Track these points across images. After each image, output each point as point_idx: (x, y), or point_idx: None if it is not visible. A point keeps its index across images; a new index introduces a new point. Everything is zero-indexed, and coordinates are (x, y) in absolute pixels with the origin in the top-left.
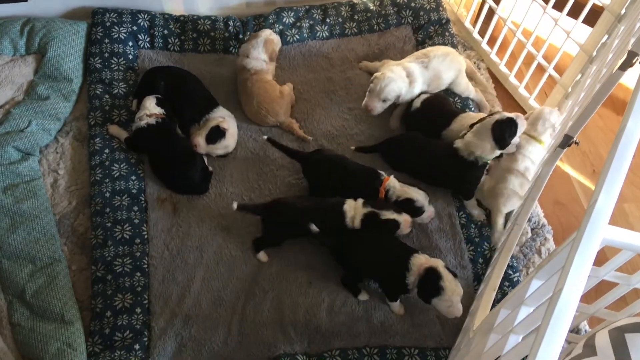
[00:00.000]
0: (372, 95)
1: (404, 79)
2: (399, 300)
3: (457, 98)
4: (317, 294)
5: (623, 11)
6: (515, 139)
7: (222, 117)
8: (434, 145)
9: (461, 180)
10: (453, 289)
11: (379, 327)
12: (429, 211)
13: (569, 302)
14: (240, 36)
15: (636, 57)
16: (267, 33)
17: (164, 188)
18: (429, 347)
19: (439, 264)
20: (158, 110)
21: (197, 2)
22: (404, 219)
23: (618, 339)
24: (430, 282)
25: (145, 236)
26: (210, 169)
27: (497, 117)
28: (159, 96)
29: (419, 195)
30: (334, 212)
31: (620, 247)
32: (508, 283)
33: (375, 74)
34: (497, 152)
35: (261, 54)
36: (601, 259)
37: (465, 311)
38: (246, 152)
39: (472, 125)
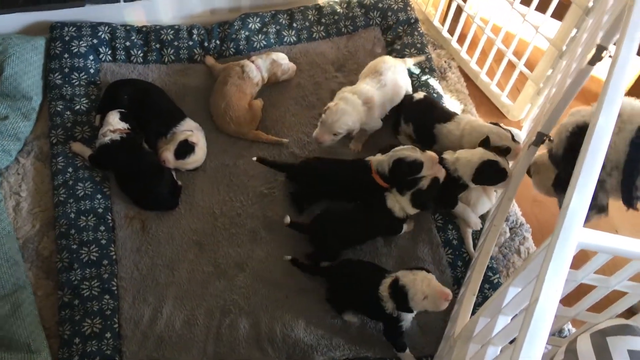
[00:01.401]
0: (323, 127)
1: (359, 109)
2: (407, 350)
3: None
4: (294, 307)
5: (591, 4)
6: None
7: (190, 130)
8: None
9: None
10: (412, 279)
11: (358, 339)
12: (427, 158)
13: (545, 312)
14: (206, 44)
15: (605, 51)
16: (280, 56)
17: (131, 205)
18: None
19: (399, 272)
20: (122, 125)
21: (159, 12)
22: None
23: (600, 343)
24: (395, 290)
25: (114, 257)
26: (179, 183)
27: (487, 157)
28: (123, 110)
29: (404, 151)
30: (383, 211)
31: (596, 250)
32: (488, 285)
33: (329, 104)
34: (473, 185)
35: (263, 69)
36: (583, 257)
37: (446, 317)
38: (216, 163)
39: (482, 142)
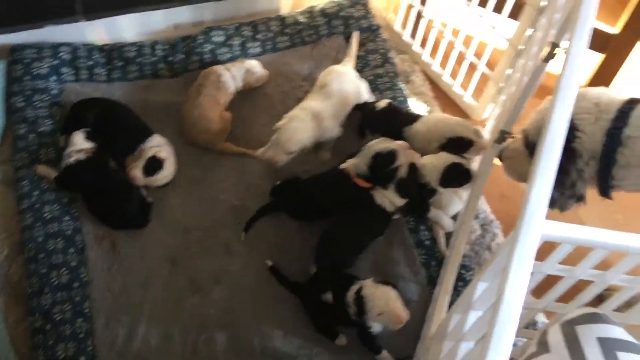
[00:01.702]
0: (276, 147)
1: (309, 125)
2: (384, 352)
3: None
4: (272, 317)
5: (543, 3)
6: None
7: (158, 145)
8: None
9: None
10: (373, 292)
11: (337, 346)
12: (399, 146)
13: (511, 305)
14: (170, 58)
15: (557, 48)
16: (253, 64)
17: (100, 225)
18: None
19: (366, 281)
20: (87, 145)
21: (122, 30)
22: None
23: (570, 333)
24: (357, 298)
25: (85, 279)
26: (150, 199)
27: (451, 160)
28: (88, 130)
29: (378, 145)
30: (373, 210)
31: (559, 241)
32: (462, 283)
33: (278, 123)
34: (442, 189)
35: (239, 78)
36: (550, 249)
37: (423, 317)
38: (186, 177)
39: (445, 145)
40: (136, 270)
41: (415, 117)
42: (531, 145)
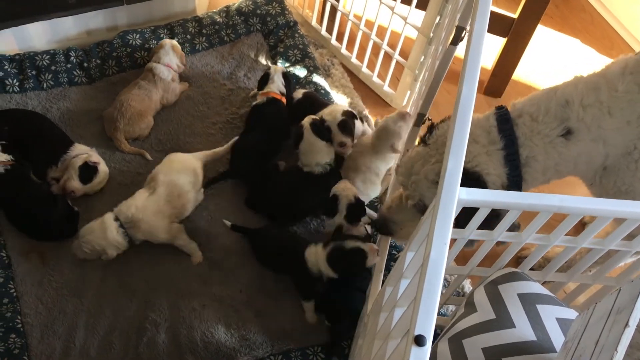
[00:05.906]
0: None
1: (107, 232)
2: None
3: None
4: (212, 315)
5: None
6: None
7: (85, 153)
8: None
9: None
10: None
11: (278, 334)
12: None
13: (437, 265)
14: (85, 64)
15: (464, 31)
16: (170, 41)
17: (26, 239)
18: (328, 342)
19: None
20: (4, 158)
21: (32, 39)
22: (369, 247)
23: (493, 291)
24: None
25: (14, 294)
26: (76, 209)
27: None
28: (4, 142)
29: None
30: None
31: (477, 206)
32: (394, 263)
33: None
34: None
35: (173, 59)
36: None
37: None
38: (112, 183)
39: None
40: (68, 281)
41: (327, 103)
42: (418, 206)
